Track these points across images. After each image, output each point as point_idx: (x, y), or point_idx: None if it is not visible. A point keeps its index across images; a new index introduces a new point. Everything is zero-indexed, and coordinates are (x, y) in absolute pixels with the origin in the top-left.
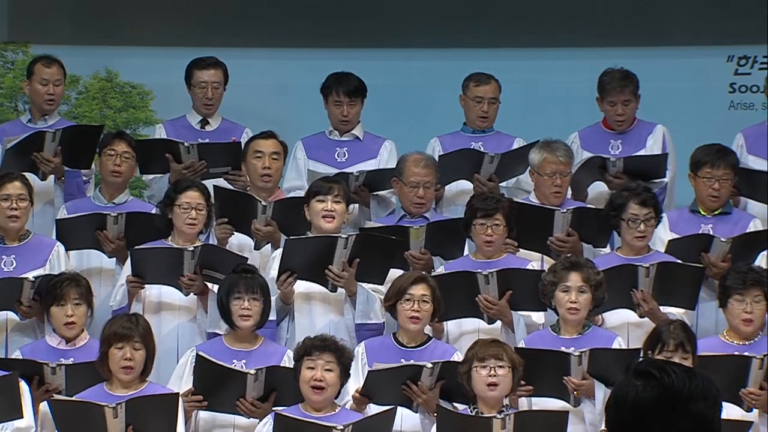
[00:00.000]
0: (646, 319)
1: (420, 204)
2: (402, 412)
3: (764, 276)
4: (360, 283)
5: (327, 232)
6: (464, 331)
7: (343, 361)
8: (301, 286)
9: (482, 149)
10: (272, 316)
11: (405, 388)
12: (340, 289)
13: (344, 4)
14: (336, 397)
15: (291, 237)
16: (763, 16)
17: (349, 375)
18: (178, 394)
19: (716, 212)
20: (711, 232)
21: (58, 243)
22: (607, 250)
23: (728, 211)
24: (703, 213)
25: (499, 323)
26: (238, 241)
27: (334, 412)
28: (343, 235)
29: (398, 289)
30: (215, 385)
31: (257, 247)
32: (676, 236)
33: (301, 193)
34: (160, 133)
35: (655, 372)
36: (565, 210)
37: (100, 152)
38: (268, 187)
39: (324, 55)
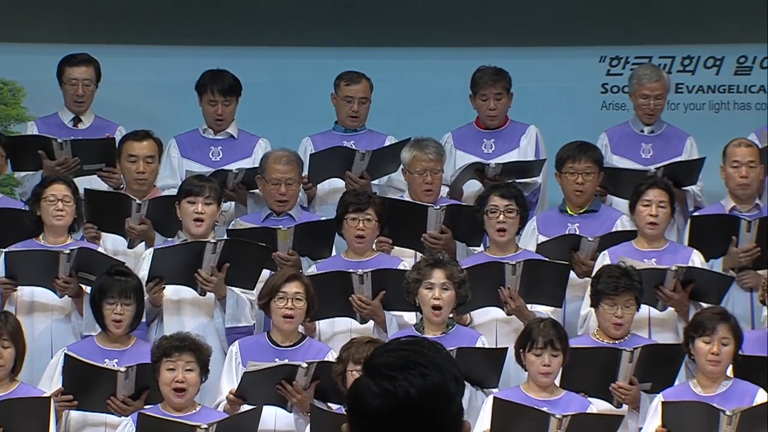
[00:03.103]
0: (514, 316)
1: (282, 201)
2: (276, 411)
3: (636, 280)
4: (229, 287)
5: (196, 235)
6: (337, 331)
7: (202, 359)
8: (171, 289)
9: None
10: (142, 318)
11: (280, 387)
12: (209, 293)
13: (219, 1)
14: (196, 395)
15: (158, 246)
16: (635, 16)
17: (208, 371)
18: (49, 398)
19: (583, 211)
20: (578, 231)
21: None
22: (482, 248)
23: (595, 209)
24: (570, 212)
25: (371, 323)
26: (113, 242)
27: (194, 411)
28: (212, 240)
29: (272, 287)
30: (85, 384)
31: (131, 246)
32: (544, 238)
33: (175, 191)
34: (32, 130)
35: (387, 384)
36: (438, 207)
37: None
38: (143, 189)
39: (198, 53)
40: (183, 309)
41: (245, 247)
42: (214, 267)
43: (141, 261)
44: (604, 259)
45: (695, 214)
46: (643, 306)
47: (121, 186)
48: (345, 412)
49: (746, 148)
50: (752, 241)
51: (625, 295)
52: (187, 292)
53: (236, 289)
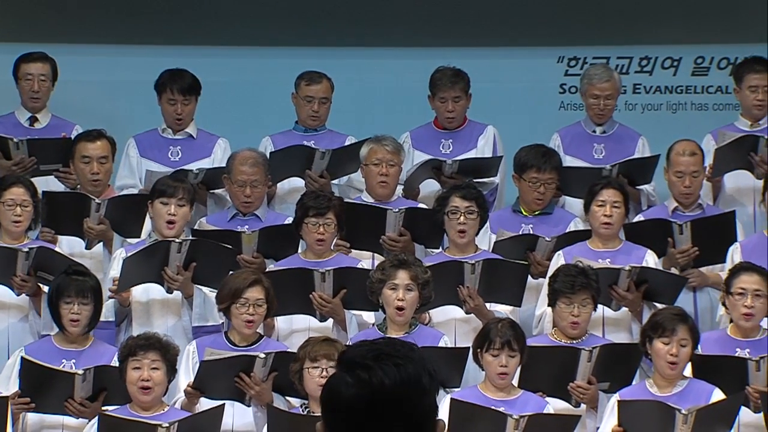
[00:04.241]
0: (473, 315)
1: (248, 203)
2: (234, 410)
3: (593, 279)
4: (197, 286)
5: (167, 237)
6: (295, 329)
7: (169, 357)
8: (139, 290)
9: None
10: (111, 318)
11: (237, 380)
12: (177, 292)
13: (177, 0)
14: (164, 394)
15: (128, 255)
16: (593, 17)
17: (175, 371)
18: (7, 398)
19: (537, 212)
20: (531, 232)
21: None
22: (440, 249)
23: (549, 211)
24: (524, 213)
25: (330, 321)
26: (69, 244)
27: (162, 411)
28: (177, 240)
29: (233, 291)
30: (42, 386)
31: (88, 247)
32: (495, 236)
33: (135, 191)
34: None
35: (363, 374)
36: (397, 210)
37: None
38: (98, 190)
39: (157, 52)
40: (152, 309)
41: (211, 247)
42: (180, 266)
43: (112, 261)
44: (558, 259)
45: (633, 221)
46: (597, 306)
47: (77, 186)
48: (304, 412)
49: (690, 157)
50: (688, 242)
51: (581, 293)
52: (156, 293)
53: (204, 288)
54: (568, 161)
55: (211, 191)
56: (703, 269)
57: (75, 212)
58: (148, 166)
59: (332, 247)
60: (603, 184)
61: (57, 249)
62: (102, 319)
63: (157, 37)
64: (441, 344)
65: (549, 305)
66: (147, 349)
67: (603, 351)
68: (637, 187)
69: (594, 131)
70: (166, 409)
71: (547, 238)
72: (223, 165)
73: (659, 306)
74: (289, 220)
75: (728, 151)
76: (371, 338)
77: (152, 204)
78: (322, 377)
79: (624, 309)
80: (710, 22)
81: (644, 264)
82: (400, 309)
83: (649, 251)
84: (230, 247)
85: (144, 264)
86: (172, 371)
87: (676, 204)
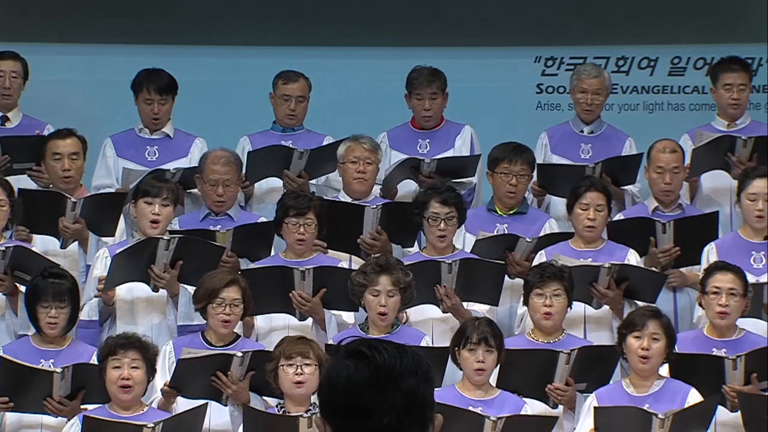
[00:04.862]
0: (451, 314)
1: (220, 202)
2: (211, 410)
3: (565, 273)
4: (183, 285)
5: (151, 236)
6: (274, 327)
7: (149, 357)
8: (124, 288)
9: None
10: (95, 317)
11: (214, 379)
12: (162, 291)
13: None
14: (143, 394)
15: (117, 253)
16: (570, 17)
17: (155, 371)
18: None
19: (512, 212)
20: (506, 231)
21: None
22: (415, 249)
23: (524, 211)
24: (499, 212)
25: (310, 320)
26: (43, 243)
27: (142, 411)
28: (165, 237)
29: (210, 291)
30: (20, 385)
31: (63, 246)
32: (471, 236)
33: (111, 191)
34: None
35: (366, 351)
36: (375, 206)
37: None
38: (71, 187)
39: (133, 51)
40: (137, 308)
41: (199, 246)
42: (167, 264)
43: (95, 260)
44: (540, 258)
45: (615, 218)
46: (578, 304)
47: (50, 186)
48: (280, 412)
49: (670, 154)
50: (670, 241)
51: (552, 284)
52: (140, 291)
53: (189, 288)
54: (555, 161)
55: (189, 191)
56: (683, 270)
57: (51, 211)
58: (125, 166)
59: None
60: (586, 185)
61: (34, 248)
62: (86, 318)
63: (135, 37)
64: (423, 344)
65: (524, 304)
66: (127, 348)
67: (581, 353)
68: (622, 187)
69: (582, 131)
70: (145, 409)
71: (528, 239)
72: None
73: (640, 304)
74: (262, 220)
75: (705, 152)
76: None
77: (136, 204)
78: (297, 375)
79: (605, 307)
80: (687, 22)
81: (626, 263)
82: (382, 314)
83: (631, 250)
84: (219, 245)
85: (131, 262)
86: (151, 371)
87: (657, 204)
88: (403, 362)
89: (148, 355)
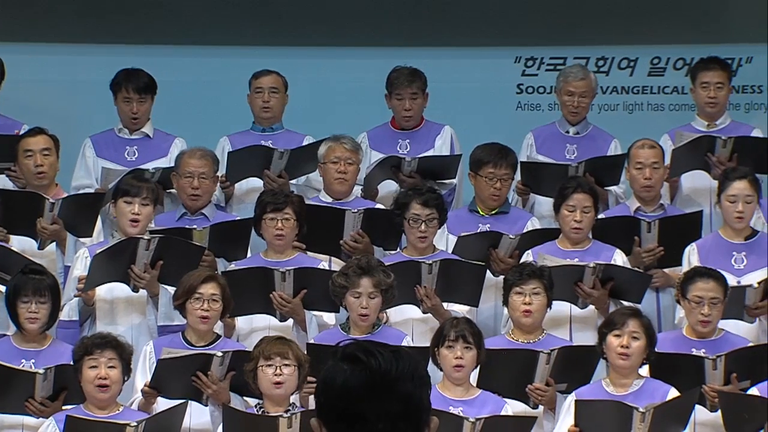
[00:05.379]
0: (431, 315)
1: (195, 196)
2: (191, 409)
3: (544, 270)
4: (163, 285)
5: (131, 235)
6: (255, 328)
7: (125, 356)
8: (104, 288)
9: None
10: (75, 317)
11: (194, 379)
12: (142, 291)
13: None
14: (119, 394)
15: (97, 252)
16: (550, 17)
17: (130, 370)
18: None
19: (494, 212)
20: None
21: None
22: (397, 251)
23: (506, 211)
24: (481, 213)
25: (290, 321)
26: (20, 243)
27: (118, 411)
28: (146, 237)
29: (188, 287)
30: (2, 386)
31: (41, 247)
32: (454, 238)
33: (91, 191)
34: None
35: (362, 355)
36: (356, 210)
37: None
38: (44, 183)
39: (112, 51)
40: (116, 308)
41: (179, 246)
42: (147, 264)
43: (75, 260)
44: (528, 258)
45: (599, 216)
46: (564, 304)
47: (26, 186)
48: (259, 412)
49: (650, 149)
50: (654, 241)
51: (531, 282)
52: (120, 291)
53: (170, 288)
54: (541, 161)
55: (168, 191)
56: (666, 270)
57: (28, 212)
58: (104, 166)
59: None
60: (573, 187)
61: (12, 248)
62: (66, 318)
63: (113, 37)
64: (404, 344)
65: (503, 304)
66: (103, 347)
67: (561, 353)
68: (606, 188)
69: (567, 132)
70: (120, 409)
71: (511, 236)
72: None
73: (627, 304)
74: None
75: (685, 152)
76: (335, 339)
77: (116, 203)
78: (276, 375)
79: (591, 307)
80: (667, 22)
81: (612, 263)
82: (363, 316)
83: (618, 251)
84: (199, 245)
85: (112, 262)
86: (127, 370)
87: (638, 204)
88: (399, 367)
89: (124, 354)
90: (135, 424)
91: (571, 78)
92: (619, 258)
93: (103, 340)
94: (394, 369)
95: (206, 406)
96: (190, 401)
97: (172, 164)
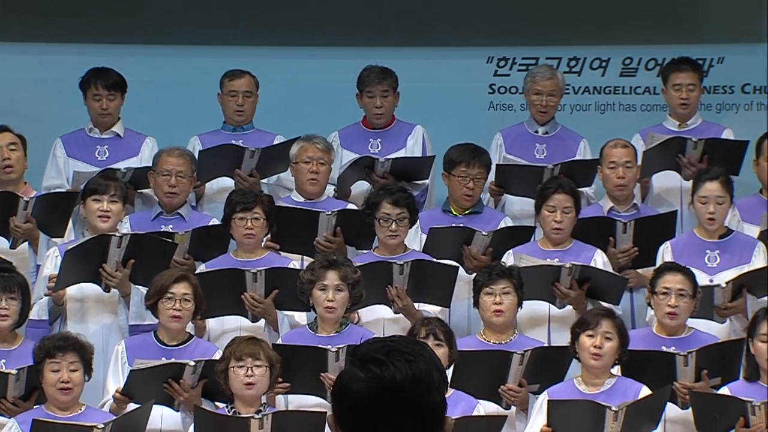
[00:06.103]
0: (402, 315)
1: (172, 194)
2: (162, 411)
3: (514, 270)
4: (134, 285)
5: (102, 230)
6: (226, 329)
7: (86, 357)
8: (74, 288)
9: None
10: (44, 316)
11: (167, 386)
12: (114, 290)
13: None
14: (81, 394)
15: (68, 249)
16: (522, 17)
17: (92, 370)
18: None
19: (467, 212)
20: None
21: None
22: (369, 251)
23: (479, 211)
24: (454, 213)
25: (262, 322)
26: None
27: (80, 411)
28: (117, 234)
29: (159, 287)
30: None
31: (13, 246)
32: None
33: (63, 191)
34: None
35: (375, 368)
36: (329, 212)
37: None
38: (12, 178)
39: (82, 51)
40: (87, 307)
41: (151, 244)
42: (119, 262)
43: (45, 260)
44: (507, 258)
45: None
46: (543, 303)
47: None
48: (230, 413)
49: (622, 149)
50: (629, 241)
51: (500, 281)
52: (90, 291)
53: (141, 288)
54: (510, 161)
55: (140, 191)
56: (639, 270)
57: (2, 209)
58: (75, 166)
59: (262, 245)
60: (554, 187)
61: None
62: (35, 317)
63: (83, 36)
64: None
65: (474, 306)
66: (65, 350)
67: (534, 354)
68: (578, 188)
69: (536, 131)
70: (83, 409)
71: (484, 232)
72: (151, 164)
73: (605, 305)
74: (215, 221)
75: (656, 153)
76: (303, 338)
77: (84, 203)
78: (247, 376)
79: (569, 307)
80: (639, 23)
81: (592, 264)
82: (330, 309)
83: (599, 251)
84: (170, 241)
85: (83, 261)
86: (89, 370)
87: (612, 204)
88: (413, 375)
89: (86, 355)
90: (102, 426)
91: (538, 77)
92: (600, 258)
93: (65, 342)
94: (408, 379)
95: (178, 411)
96: (156, 405)
97: (144, 164)
